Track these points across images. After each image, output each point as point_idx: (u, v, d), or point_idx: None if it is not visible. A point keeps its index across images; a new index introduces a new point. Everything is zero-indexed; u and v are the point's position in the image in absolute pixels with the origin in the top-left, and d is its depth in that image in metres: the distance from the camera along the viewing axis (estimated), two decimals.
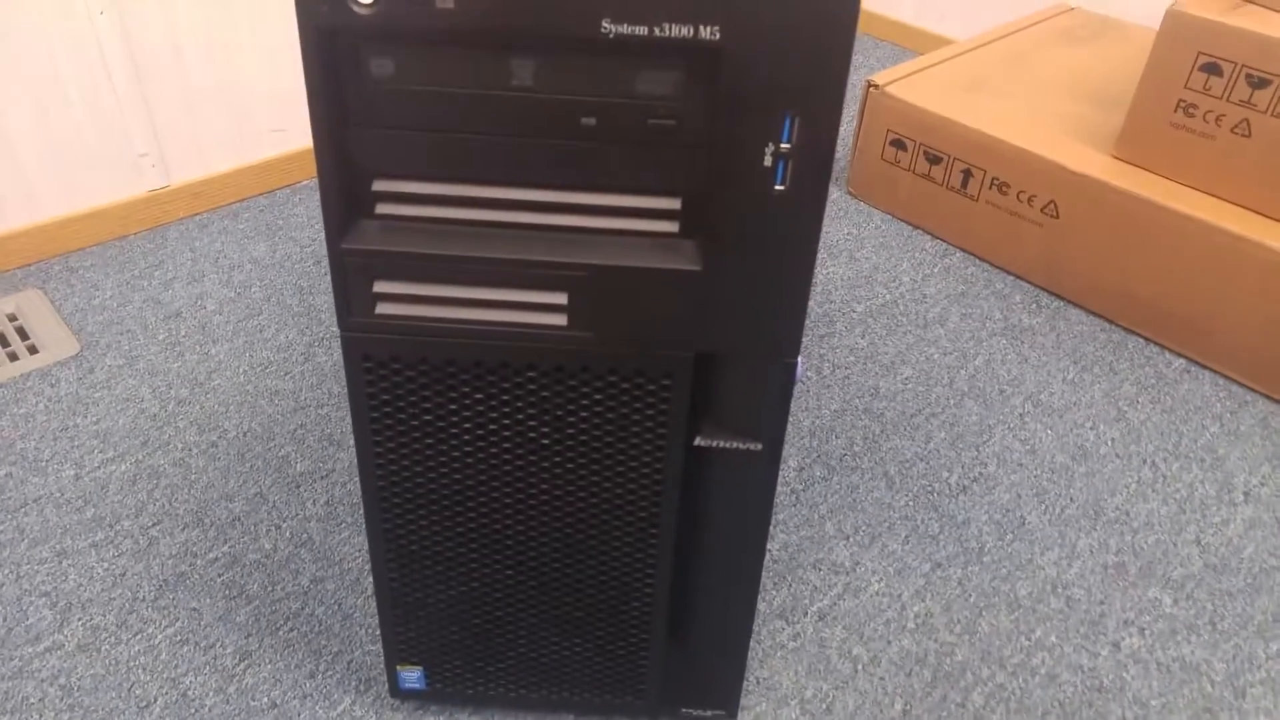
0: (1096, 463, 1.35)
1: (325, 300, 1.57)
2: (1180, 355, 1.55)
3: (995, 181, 1.68)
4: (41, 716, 0.98)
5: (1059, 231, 1.62)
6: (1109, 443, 1.38)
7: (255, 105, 1.76)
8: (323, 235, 1.72)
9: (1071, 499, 1.29)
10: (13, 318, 1.49)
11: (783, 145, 0.65)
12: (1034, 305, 1.65)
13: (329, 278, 1.62)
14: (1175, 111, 1.49)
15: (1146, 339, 1.58)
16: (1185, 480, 1.33)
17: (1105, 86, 1.82)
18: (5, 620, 1.07)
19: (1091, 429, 1.40)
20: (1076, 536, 1.24)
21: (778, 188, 0.67)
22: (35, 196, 1.58)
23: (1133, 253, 1.54)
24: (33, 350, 1.44)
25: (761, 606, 1.13)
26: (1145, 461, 1.35)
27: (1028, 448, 1.37)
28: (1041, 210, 1.63)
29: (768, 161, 0.66)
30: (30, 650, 1.04)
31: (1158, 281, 1.53)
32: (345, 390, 1.39)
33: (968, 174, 1.71)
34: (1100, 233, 1.57)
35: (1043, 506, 1.28)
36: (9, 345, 1.44)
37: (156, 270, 1.61)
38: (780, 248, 0.69)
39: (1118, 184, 1.52)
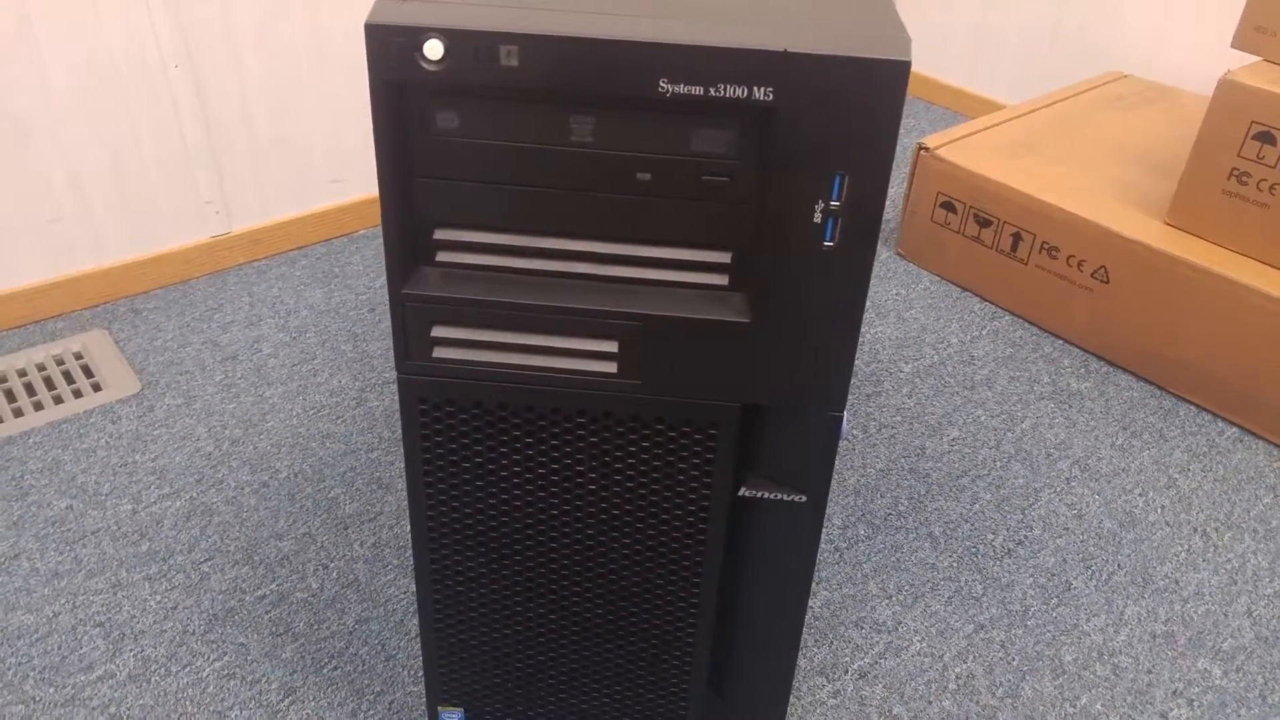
0: (1145, 530, 1.32)
1: (378, 347, 1.61)
2: (1233, 424, 1.52)
3: (1045, 246, 1.68)
4: None
5: (1109, 297, 1.61)
6: (1158, 510, 1.36)
7: (315, 157, 1.83)
8: (377, 284, 1.77)
9: (1119, 565, 1.27)
10: (79, 356, 1.55)
11: (832, 203, 0.67)
12: (1083, 370, 1.63)
13: (383, 325, 1.66)
14: (1228, 179, 1.48)
15: (1198, 406, 1.56)
16: (1237, 550, 1.29)
17: (1157, 153, 1.82)
18: (60, 648, 1.09)
19: (1140, 496, 1.38)
20: (1124, 604, 1.21)
21: (826, 244, 0.68)
22: (104, 241, 1.65)
23: (1184, 319, 1.53)
24: (96, 388, 1.49)
25: (802, 663, 1.12)
26: (1196, 530, 1.33)
27: (1074, 512, 1.35)
28: (1092, 275, 1.63)
29: (817, 219, 0.68)
30: (83, 678, 1.06)
31: (1209, 349, 1.52)
32: (395, 435, 1.42)
33: (1018, 237, 1.71)
34: (1151, 299, 1.56)
35: (1089, 572, 1.26)
36: (74, 382, 1.50)
37: (216, 314, 1.67)
38: (828, 303, 0.71)
39: (1170, 250, 1.52)
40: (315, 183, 1.85)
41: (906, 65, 0.63)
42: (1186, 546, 1.30)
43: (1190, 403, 1.56)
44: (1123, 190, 1.69)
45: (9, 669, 1.07)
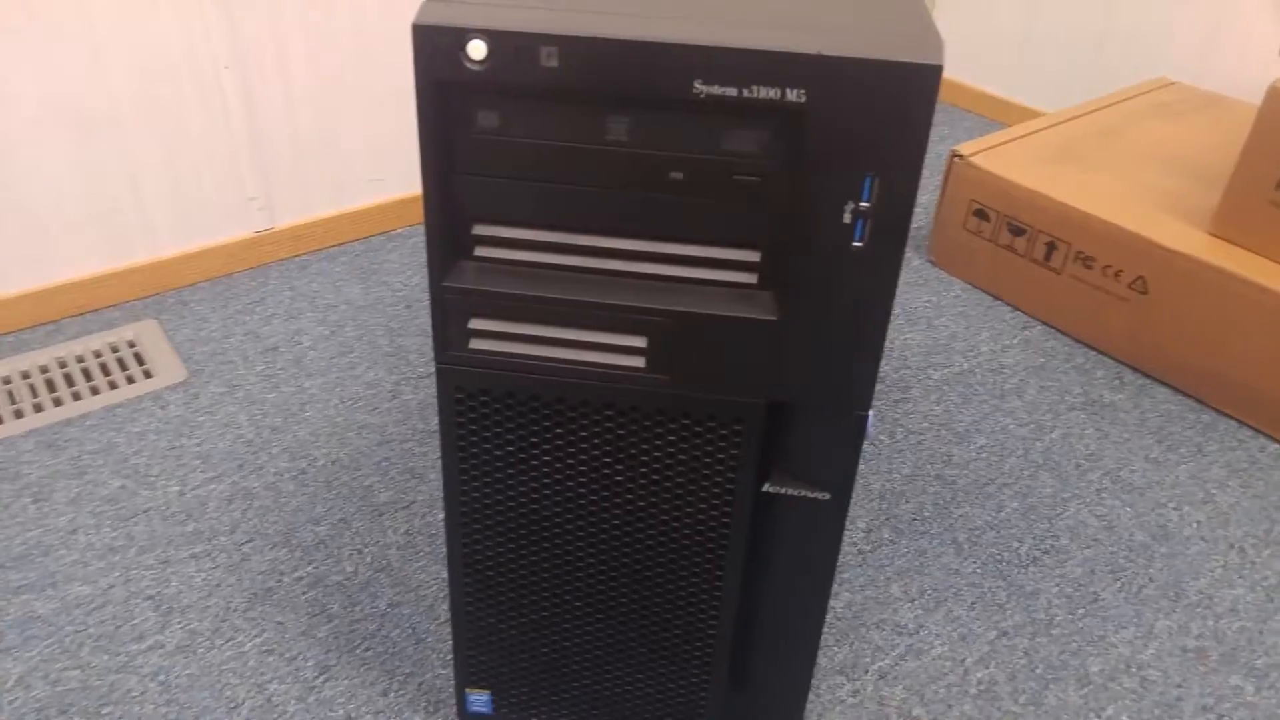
0: (1179, 544, 1.31)
1: (414, 342, 1.65)
2: (1275, 440, 1.51)
3: (1080, 255, 1.67)
4: (142, 709, 1.05)
5: (1147, 308, 1.60)
6: (1194, 525, 1.35)
7: (355, 156, 1.88)
8: (414, 281, 1.80)
9: (1150, 579, 1.26)
10: (131, 344, 1.61)
11: (862, 204, 0.68)
12: (1117, 381, 1.62)
13: (418, 321, 1.70)
14: (1275, 189, 1.47)
15: (1239, 421, 1.54)
16: (1275, 568, 1.28)
17: (1202, 162, 1.80)
18: (114, 619, 1.14)
19: (1175, 509, 1.37)
20: (1154, 617, 1.21)
21: (855, 244, 0.70)
22: (156, 235, 1.71)
23: (1226, 332, 1.51)
24: (147, 375, 1.54)
25: (823, 661, 1.13)
26: (1233, 546, 1.31)
27: (1104, 524, 1.34)
28: (1129, 286, 1.62)
29: (847, 219, 0.69)
30: (135, 648, 1.11)
31: (1253, 363, 1.50)
32: (429, 427, 1.45)
33: (1052, 246, 1.71)
34: (1192, 310, 1.54)
35: (1118, 584, 1.25)
36: (127, 369, 1.55)
37: (258, 307, 1.72)
38: (856, 302, 0.72)
39: (1213, 261, 1.50)
40: (355, 181, 1.90)
41: (938, 69, 0.64)
42: (1222, 562, 1.29)
43: (1231, 417, 1.55)
44: (1164, 199, 1.67)
45: (67, 636, 1.12)
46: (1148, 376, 1.63)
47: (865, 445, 1.45)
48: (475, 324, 0.77)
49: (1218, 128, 1.93)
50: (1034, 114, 2.40)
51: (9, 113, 1.49)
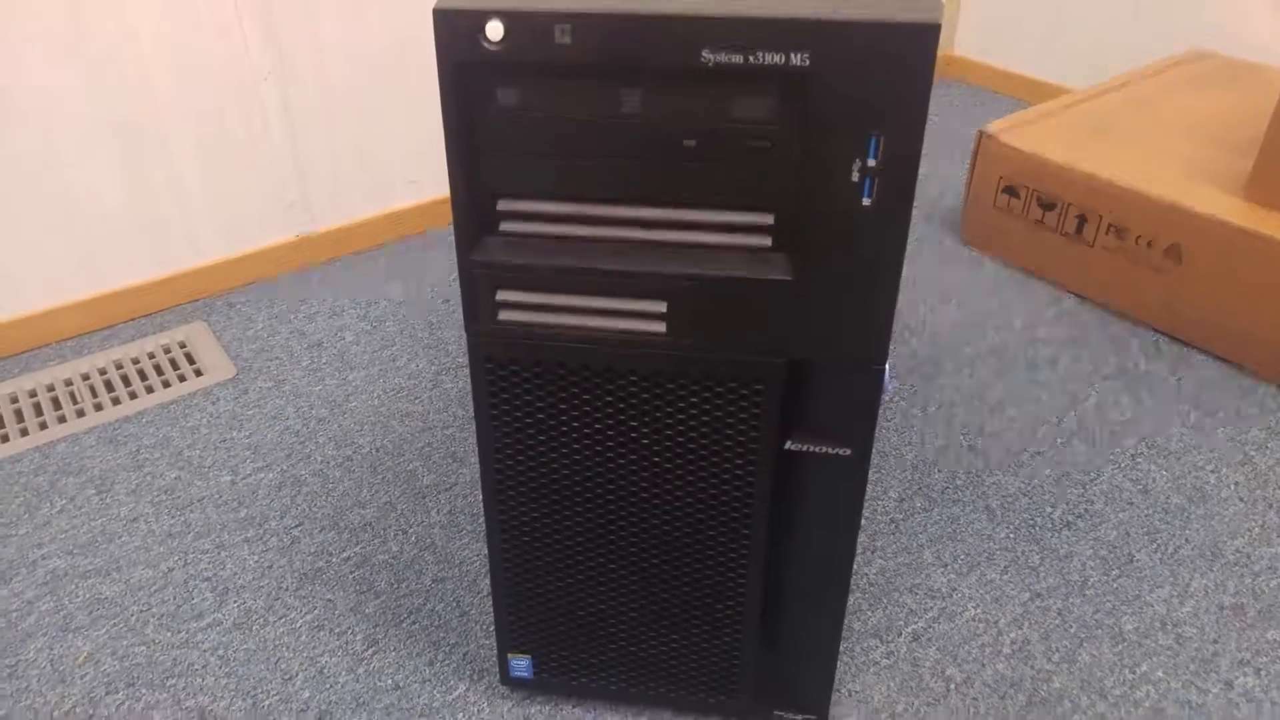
0: (1216, 505, 1.31)
1: (453, 334, 1.69)
2: None
3: (1112, 226, 1.67)
4: (204, 681, 1.10)
5: (1182, 276, 1.59)
6: (1231, 486, 1.34)
7: (392, 160, 1.93)
8: (450, 277, 1.85)
9: (1187, 539, 1.26)
10: (183, 345, 1.67)
11: (869, 163, 0.71)
12: (1153, 350, 1.61)
13: (456, 314, 1.74)
14: None
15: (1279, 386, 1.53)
16: None
17: (1236, 130, 1.78)
18: (175, 598, 1.20)
19: (1213, 472, 1.36)
20: (1190, 576, 1.21)
21: (865, 202, 0.72)
22: (203, 243, 1.78)
23: (1264, 297, 1.50)
24: (198, 373, 1.60)
25: (856, 625, 1.15)
26: (1272, 506, 1.31)
27: (1139, 488, 1.34)
28: (1163, 254, 1.61)
29: (855, 178, 0.71)
30: (195, 625, 1.17)
31: None
32: (469, 413, 1.49)
33: (1083, 219, 1.70)
34: (1228, 276, 1.53)
35: (1154, 545, 1.25)
36: (179, 369, 1.62)
37: (302, 306, 1.77)
38: (867, 259, 0.74)
39: (1248, 226, 1.49)
40: (392, 184, 1.95)
41: (936, 28, 0.66)
42: (1261, 522, 1.28)
43: (1270, 382, 1.53)
44: (1196, 168, 1.66)
45: (132, 615, 1.18)
46: (1184, 344, 1.62)
47: (896, 416, 1.47)
48: (503, 296, 0.80)
49: (1251, 96, 1.91)
50: (1065, 92, 2.38)
51: (62, 130, 1.56)
